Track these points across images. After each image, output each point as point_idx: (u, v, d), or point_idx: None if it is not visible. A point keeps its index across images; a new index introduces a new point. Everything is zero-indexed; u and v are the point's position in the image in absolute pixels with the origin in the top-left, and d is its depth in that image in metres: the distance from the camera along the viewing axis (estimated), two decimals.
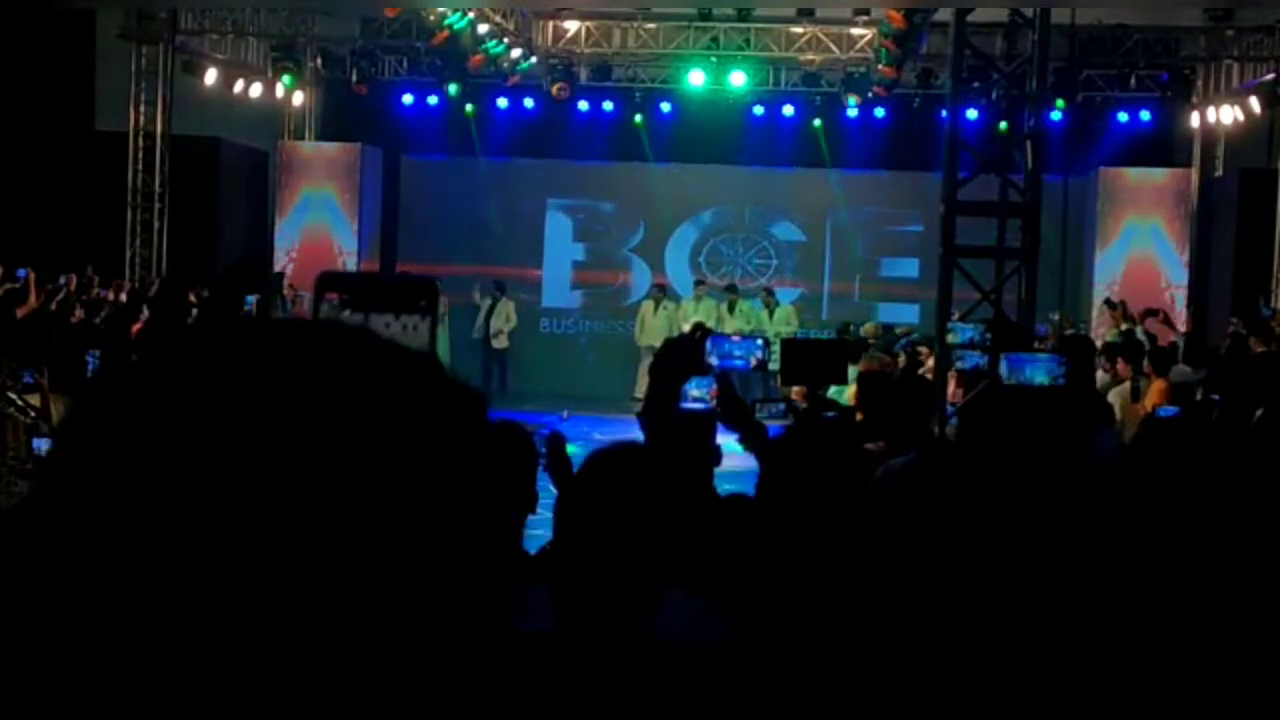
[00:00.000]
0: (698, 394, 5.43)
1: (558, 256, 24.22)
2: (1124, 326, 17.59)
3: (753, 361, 6.06)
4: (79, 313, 16.72)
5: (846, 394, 7.86)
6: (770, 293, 22.65)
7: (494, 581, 1.04)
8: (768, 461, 4.90)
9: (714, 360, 5.76)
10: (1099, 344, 15.73)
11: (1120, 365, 13.88)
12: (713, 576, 3.34)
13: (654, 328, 21.63)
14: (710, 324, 20.48)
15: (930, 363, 13.95)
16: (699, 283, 22.95)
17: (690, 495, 3.50)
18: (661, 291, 22.72)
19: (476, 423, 1.03)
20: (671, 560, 3.24)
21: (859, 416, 7.05)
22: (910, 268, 23.33)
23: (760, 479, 4.80)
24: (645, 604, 3.06)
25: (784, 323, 21.67)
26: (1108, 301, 18.99)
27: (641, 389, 19.68)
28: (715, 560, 3.46)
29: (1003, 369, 6.26)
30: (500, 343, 22.90)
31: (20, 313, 16.15)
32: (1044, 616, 3.19)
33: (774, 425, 6.07)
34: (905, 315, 21.48)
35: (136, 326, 16.16)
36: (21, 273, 16.88)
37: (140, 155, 21.29)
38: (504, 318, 22.93)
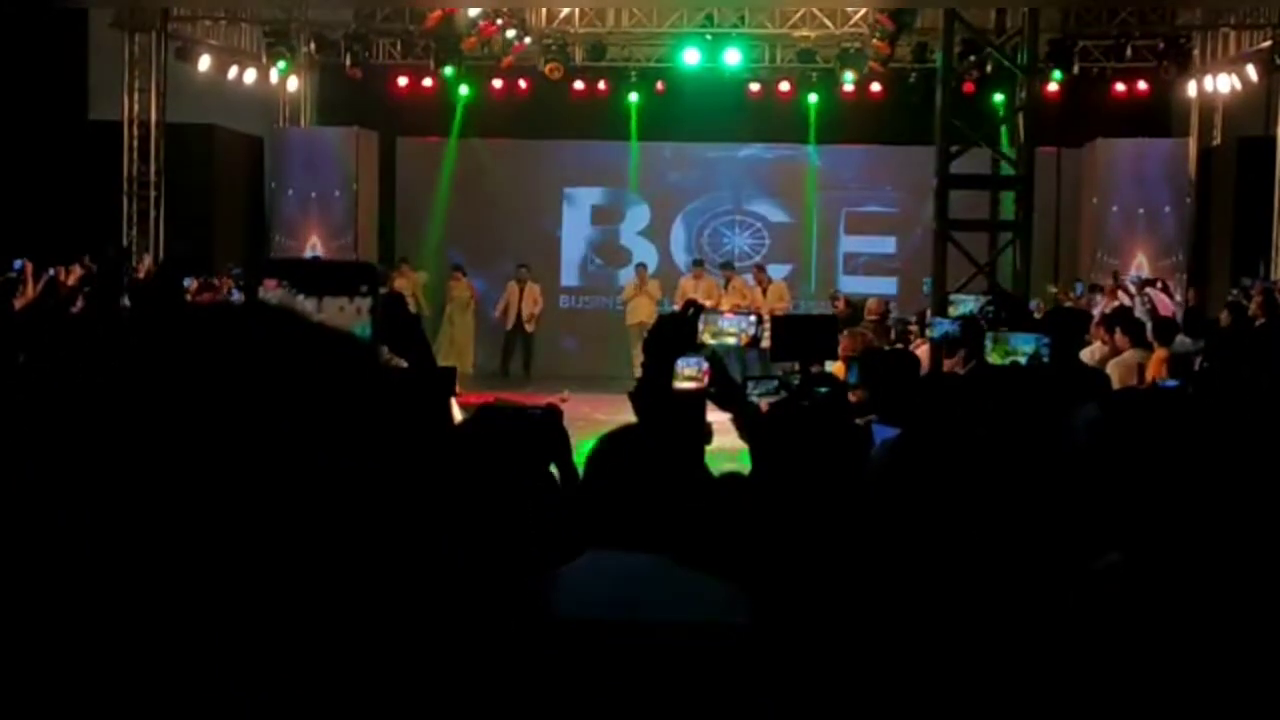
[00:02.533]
0: (690, 374, 5.43)
1: (556, 238, 24.20)
2: (1123, 302, 17.53)
3: (744, 338, 6.06)
4: (80, 303, 16.70)
5: (832, 368, 7.84)
6: (762, 269, 22.67)
7: (444, 560, 1.03)
8: (757, 443, 4.90)
9: (706, 337, 5.76)
10: (1097, 316, 15.69)
11: (1119, 337, 13.85)
12: (707, 553, 3.33)
13: (637, 306, 21.78)
14: (710, 302, 20.50)
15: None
16: (697, 262, 22.93)
17: (683, 473, 3.50)
18: (643, 270, 22.77)
19: (400, 401, 1.02)
20: (667, 537, 3.24)
21: (853, 395, 7.05)
22: (888, 245, 23.51)
23: (753, 459, 4.79)
24: (641, 581, 3.06)
25: (777, 299, 21.67)
26: (1115, 275, 18.92)
27: (638, 368, 19.69)
28: (710, 538, 3.46)
29: (989, 345, 6.26)
30: (529, 326, 22.97)
31: (18, 304, 16.15)
32: (1023, 593, 3.18)
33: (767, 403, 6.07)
34: (886, 289, 21.42)
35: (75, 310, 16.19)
36: (18, 264, 16.87)
37: (135, 144, 21.25)
38: (532, 300, 22.99)
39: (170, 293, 15.42)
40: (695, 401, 5.06)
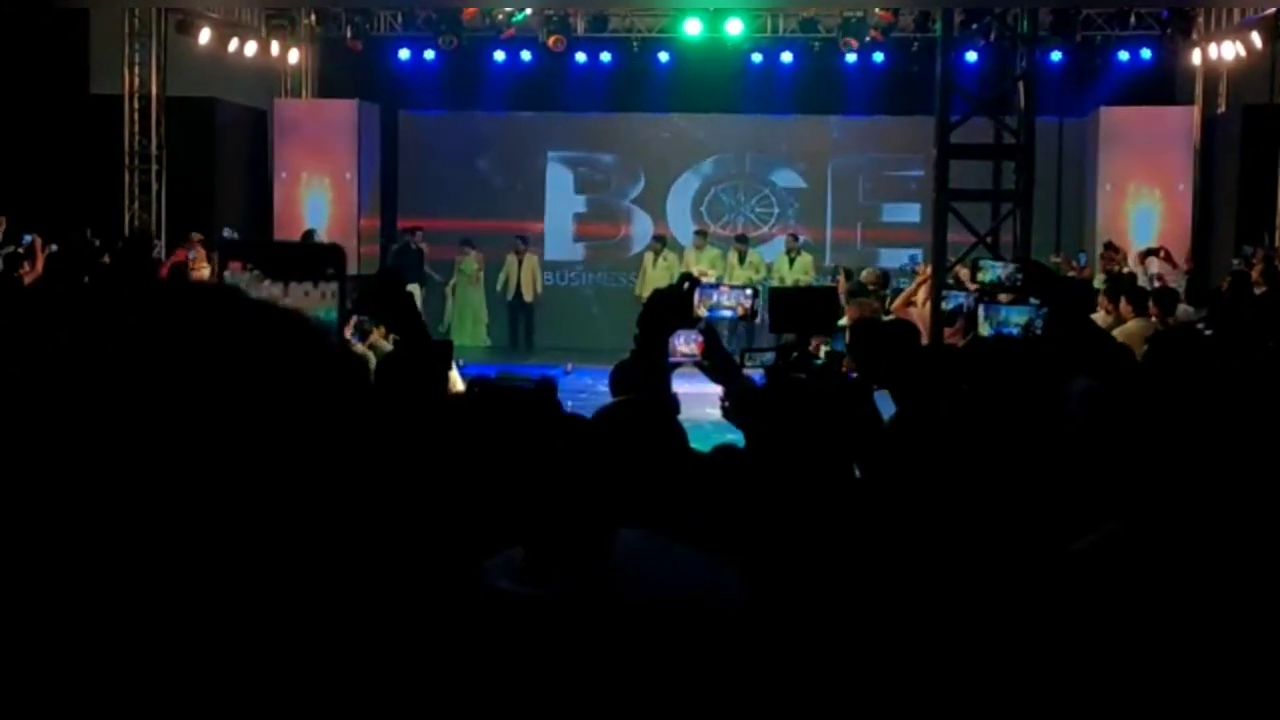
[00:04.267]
0: (685, 350, 5.39)
1: (558, 209, 24.16)
2: (1125, 269, 17.51)
3: (740, 310, 6.01)
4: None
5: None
6: (795, 238, 22.51)
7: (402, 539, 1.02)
8: (746, 419, 4.87)
9: (703, 311, 5.71)
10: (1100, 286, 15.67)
11: (1124, 306, 13.83)
12: (688, 525, 3.32)
13: (654, 279, 21.58)
14: (719, 274, 20.44)
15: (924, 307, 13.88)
16: (699, 232, 22.88)
17: (668, 447, 3.49)
18: (661, 243, 22.65)
19: (352, 382, 1.01)
20: (645, 509, 3.23)
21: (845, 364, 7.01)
22: (912, 212, 23.26)
23: (745, 434, 4.76)
24: (613, 553, 3.04)
25: (803, 271, 21.53)
26: (1108, 245, 18.88)
27: None
28: (694, 510, 3.44)
29: (981, 317, 6.23)
30: (528, 296, 23.01)
31: (27, 279, 16.17)
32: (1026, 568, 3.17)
33: (759, 375, 6.04)
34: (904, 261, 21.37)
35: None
36: (27, 239, 16.89)
37: (136, 117, 21.22)
38: (530, 272, 22.98)
39: (136, 269, 15.38)
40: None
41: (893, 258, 21.85)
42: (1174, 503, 2.78)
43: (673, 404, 4.26)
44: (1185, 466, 2.83)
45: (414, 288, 22.59)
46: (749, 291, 6.15)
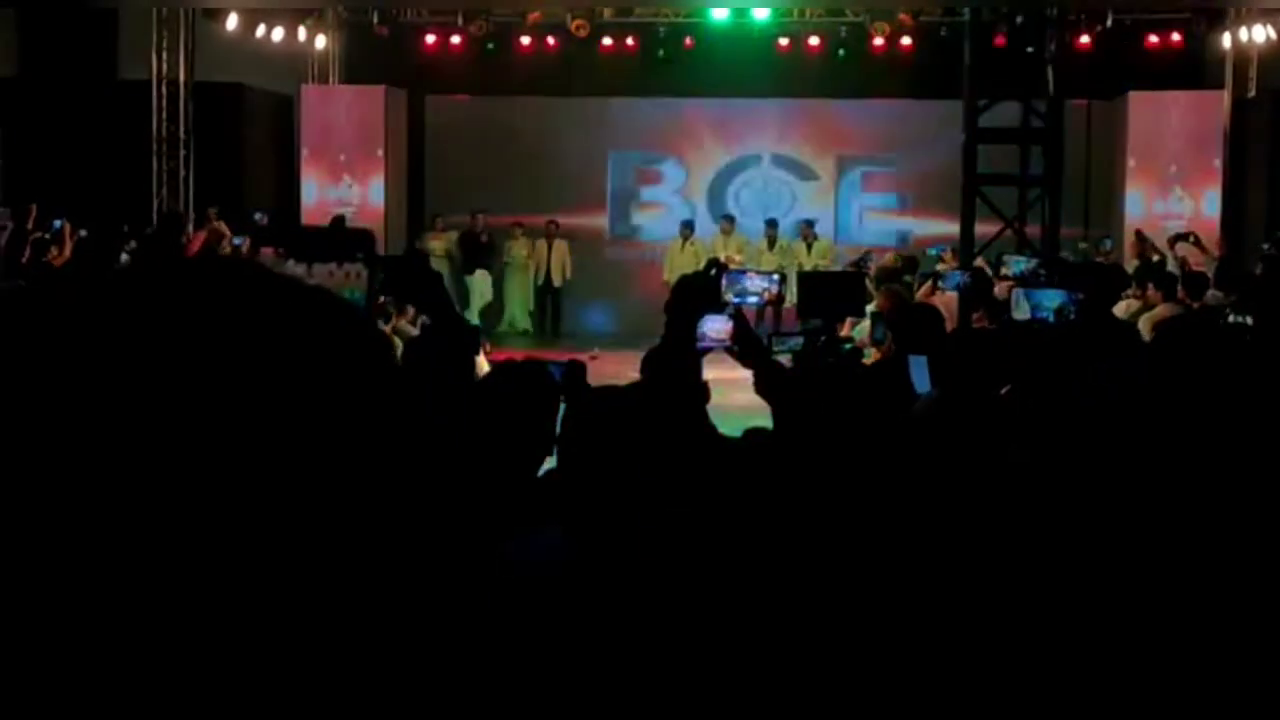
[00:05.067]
0: (715, 335, 5.39)
1: (586, 195, 24.12)
2: (1154, 258, 17.40)
3: (767, 296, 6.02)
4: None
5: (860, 328, 7.82)
6: (810, 224, 22.49)
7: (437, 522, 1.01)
8: (778, 401, 4.86)
9: (730, 296, 5.72)
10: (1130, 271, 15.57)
11: (1151, 292, 13.76)
12: (704, 509, 3.32)
13: (681, 264, 21.54)
14: (747, 260, 20.42)
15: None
16: (727, 217, 22.85)
17: (685, 430, 3.49)
18: (689, 229, 22.61)
19: (379, 360, 1.00)
20: (663, 493, 3.23)
21: (878, 350, 7.02)
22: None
23: (775, 416, 4.76)
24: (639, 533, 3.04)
25: (821, 256, 21.49)
26: (1139, 234, 18.76)
27: None
28: (714, 494, 3.44)
29: (1015, 301, 6.21)
30: (557, 280, 23.07)
31: (56, 263, 16.25)
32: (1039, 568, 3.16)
33: (787, 361, 6.04)
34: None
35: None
36: (57, 224, 16.97)
37: (164, 103, 21.30)
38: (559, 256, 23.02)
39: (166, 250, 15.43)
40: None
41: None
42: (1212, 493, 2.76)
43: (701, 391, 4.25)
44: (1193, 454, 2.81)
45: (482, 274, 22.63)
46: (775, 277, 6.16)
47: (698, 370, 4.28)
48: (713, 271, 4.72)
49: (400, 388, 1.02)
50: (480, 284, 22.49)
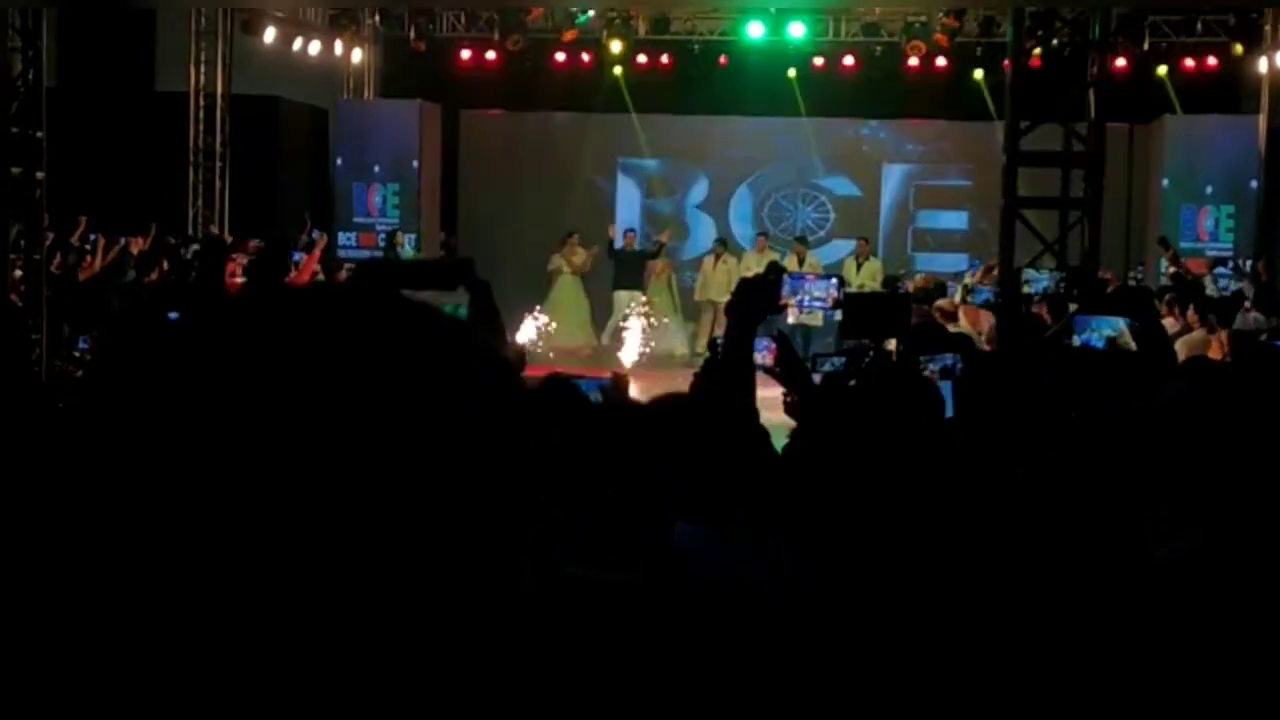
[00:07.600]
0: (759, 358, 5.39)
1: (619, 212, 24.12)
2: (1189, 275, 17.34)
3: (830, 300, 5.99)
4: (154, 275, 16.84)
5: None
6: (866, 241, 22.25)
7: (529, 537, 1.02)
8: (805, 420, 4.88)
9: (791, 299, 5.73)
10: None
11: (1190, 314, 13.71)
12: (757, 517, 3.32)
13: (715, 282, 21.50)
14: None
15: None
16: (762, 234, 22.83)
17: (739, 439, 3.48)
18: (723, 246, 22.56)
19: (507, 387, 1.02)
20: (717, 501, 3.23)
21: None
22: (959, 220, 23.34)
23: (793, 435, 4.78)
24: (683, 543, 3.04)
25: (870, 276, 21.19)
26: (1173, 254, 18.68)
27: (702, 344, 19.69)
28: (768, 502, 3.44)
29: (1075, 328, 6.18)
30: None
31: (82, 276, 16.33)
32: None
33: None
34: (957, 266, 21.23)
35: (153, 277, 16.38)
36: (92, 236, 17.07)
37: (201, 115, 21.43)
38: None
39: (273, 273, 15.52)
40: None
41: (934, 263, 21.71)
42: (1257, 513, 2.75)
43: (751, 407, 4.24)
44: (1268, 475, 2.79)
45: (634, 293, 21.40)
46: (834, 281, 6.15)
47: (751, 382, 4.28)
48: (771, 276, 4.74)
49: (528, 408, 1.04)
50: (627, 299, 21.47)
